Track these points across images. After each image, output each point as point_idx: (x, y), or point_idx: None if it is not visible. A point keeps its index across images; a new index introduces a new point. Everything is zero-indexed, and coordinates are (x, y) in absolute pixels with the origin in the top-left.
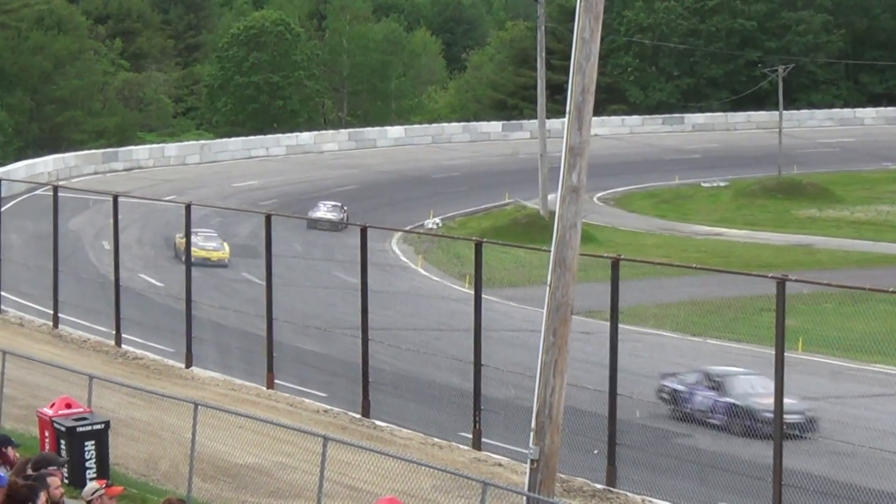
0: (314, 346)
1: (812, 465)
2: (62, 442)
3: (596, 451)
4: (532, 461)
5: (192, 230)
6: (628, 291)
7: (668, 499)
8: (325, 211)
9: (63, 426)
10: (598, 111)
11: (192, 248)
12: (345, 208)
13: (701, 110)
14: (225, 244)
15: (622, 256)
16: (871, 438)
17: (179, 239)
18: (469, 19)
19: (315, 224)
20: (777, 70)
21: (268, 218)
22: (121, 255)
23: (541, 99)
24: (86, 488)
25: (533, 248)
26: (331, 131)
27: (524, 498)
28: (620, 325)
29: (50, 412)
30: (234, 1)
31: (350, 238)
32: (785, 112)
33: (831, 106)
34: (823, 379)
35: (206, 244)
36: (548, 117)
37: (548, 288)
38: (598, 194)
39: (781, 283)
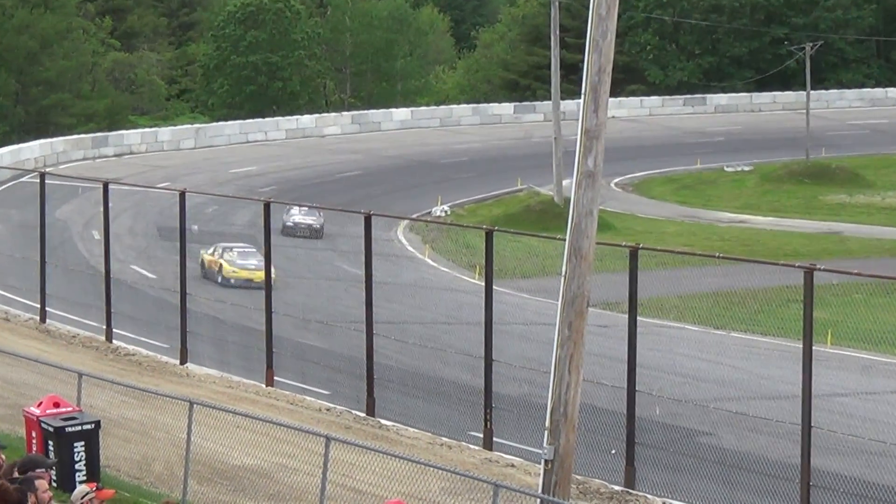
0: (316, 340)
1: (842, 465)
2: (50, 443)
3: (613, 451)
4: (546, 462)
5: (227, 245)
6: (647, 282)
7: (690, 501)
8: (301, 215)
9: (51, 426)
10: (615, 92)
11: (231, 268)
12: (321, 213)
13: (724, 90)
14: None
15: (641, 245)
16: None
17: (209, 256)
18: None
19: (292, 230)
20: (804, 47)
21: (266, 206)
22: (112, 245)
23: (555, 79)
24: (75, 492)
25: (547, 236)
26: (333, 114)
27: (538, 500)
28: (639, 318)
29: (37, 411)
30: None
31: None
32: (813, 92)
33: (862, 85)
34: (854, 374)
35: (247, 262)
36: (562, 98)
37: (562, 279)
38: (616, 180)
39: (809, 273)
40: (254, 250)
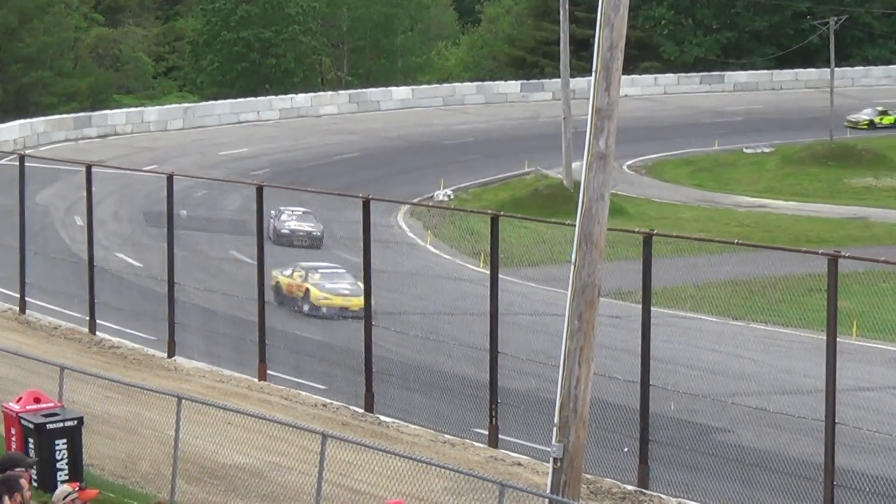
0: (312, 332)
1: (868, 463)
2: (30, 440)
3: (626, 449)
4: (555, 460)
5: (310, 266)
6: (662, 270)
7: (708, 502)
8: (296, 221)
9: (31, 423)
10: (627, 69)
11: (321, 294)
12: (317, 218)
13: (743, 68)
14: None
15: (655, 231)
16: None
17: (287, 279)
18: None
19: (287, 239)
20: (828, 22)
21: (259, 190)
22: (95, 231)
23: (564, 56)
24: (57, 492)
25: (556, 222)
26: (329, 93)
27: (546, 501)
28: (653, 308)
29: (17, 407)
30: None
31: (352, 212)
32: (837, 69)
33: (889, 62)
34: (881, 367)
35: (338, 286)
36: (572, 76)
37: (572, 267)
38: (629, 162)
39: (833, 261)
40: (343, 271)
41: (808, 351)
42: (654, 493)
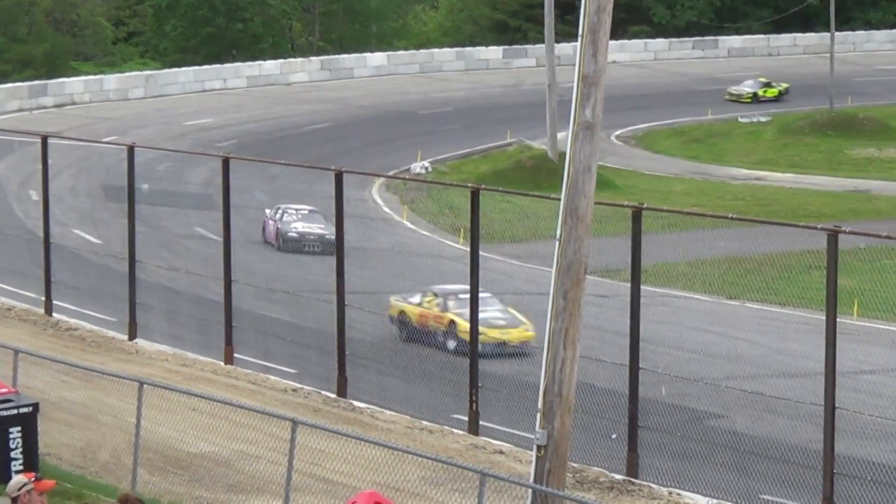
0: (281, 313)
1: (870, 450)
2: None
3: (614, 436)
4: (539, 447)
5: (438, 289)
6: (652, 246)
7: (701, 491)
8: (304, 222)
9: None
10: (616, 34)
11: (481, 328)
12: (327, 217)
13: (738, 32)
14: (519, 315)
15: (645, 205)
16: None
17: (411, 306)
18: None
19: (296, 244)
20: None
21: (225, 162)
22: (51, 206)
23: (548, 19)
24: (11, 483)
25: (540, 195)
26: (300, 59)
27: (529, 491)
28: (643, 287)
29: None
30: None
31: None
32: (837, 33)
33: (892, 26)
34: (883, 349)
35: (491, 314)
36: (557, 41)
37: (557, 243)
38: (617, 132)
39: (833, 236)
40: (488, 295)
41: (806, 332)
42: (644, 483)
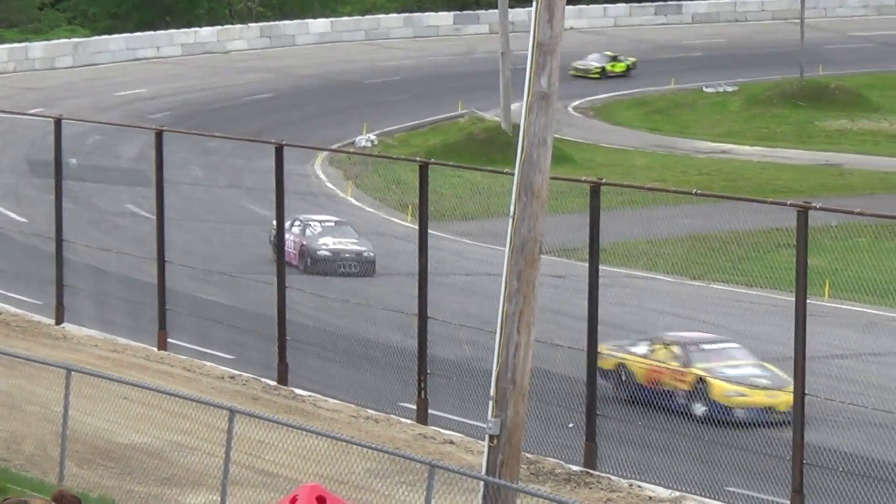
0: (218, 295)
1: (842, 439)
2: None
3: (571, 425)
4: (491, 437)
5: (684, 339)
6: (612, 224)
7: (663, 483)
8: (335, 238)
9: None
10: None
11: (728, 387)
12: (358, 233)
13: None
14: (779, 371)
15: (604, 180)
16: None
17: (633, 358)
18: None
19: (329, 265)
20: None
21: (159, 135)
22: None
23: None
24: None
25: (492, 170)
26: (238, 26)
27: (481, 483)
28: (602, 267)
29: None
30: None
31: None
32: None
33: None
34: (856, 332)
35: (743, 370)
36: (511, 7)
37: (511, 220)
38: (575, 103)
39: (803, 213)
40: (735, 346)
41: (774, 314)
42: (603, 474)
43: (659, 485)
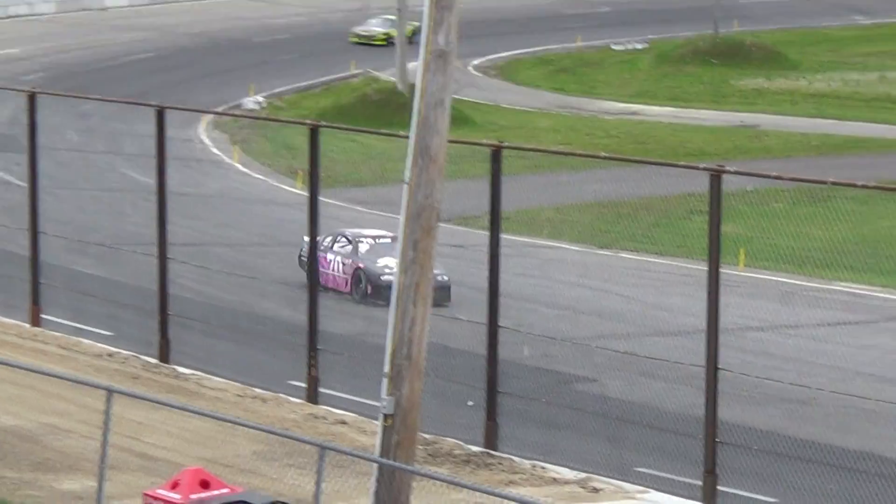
0: (95, 268)
1: (757, 416)
2: None
3: (471, 403)
4: (385, 417)
5: None
6: (515, 190)
7: (568, 464)
8: (395, 255)
9: None
10: None
11: None
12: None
13: None
14: None
15: (506, 143)
16: (835, 381)
17: None
18: None
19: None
20: None
21: (31, 98)
22: None
23: None
24: None
25: (387, 133)
26: None
27: (375, 466)
28: (504, 236)
29: None
30: None
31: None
32: None
33: None
34: (772, 303)
35: None
36: None
37: (406, 187)
38: (476, 61)
39: (716, 177)
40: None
41: (686, 284)
42: (505, 455)
43: (564, 466)
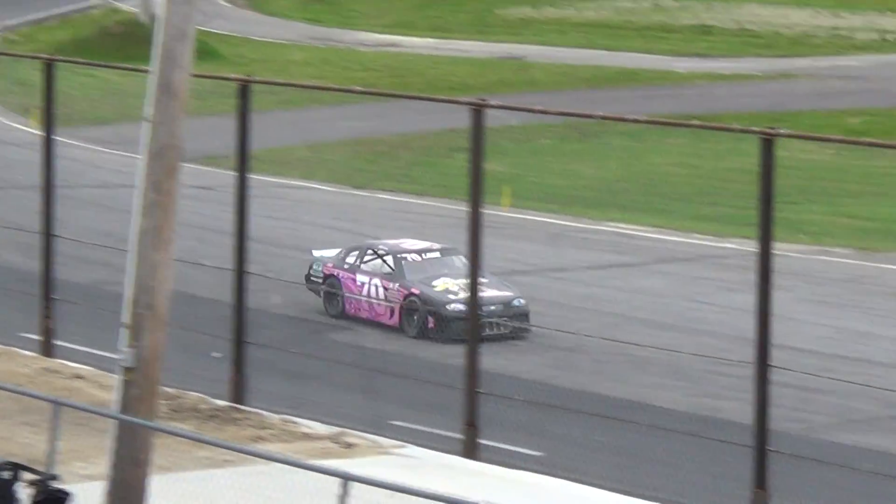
0: None
1: (522, 365)
2: None
3: (217, 355)
4: (125, 370)
5: None
6: (265, 127)
7: (320, 417)
8: (454, 276)
9: None
10: None
11: None
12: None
13: None
14: None
15: (254, 77)
16: (603, 326)
17: None
18: None
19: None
20: None
21: None
22: None
23: None
24: None
25: (128, 68)
26: None
27: (113, 422)
28: (253, 176)
29: None
30: None
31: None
32: None
33: None
34: (538, 245)
35: None
36: None
37: (146, 124)
38: None
39: (478, 111)
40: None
41: (448, 226)
42: (253, 409)
43: (315, 420)
